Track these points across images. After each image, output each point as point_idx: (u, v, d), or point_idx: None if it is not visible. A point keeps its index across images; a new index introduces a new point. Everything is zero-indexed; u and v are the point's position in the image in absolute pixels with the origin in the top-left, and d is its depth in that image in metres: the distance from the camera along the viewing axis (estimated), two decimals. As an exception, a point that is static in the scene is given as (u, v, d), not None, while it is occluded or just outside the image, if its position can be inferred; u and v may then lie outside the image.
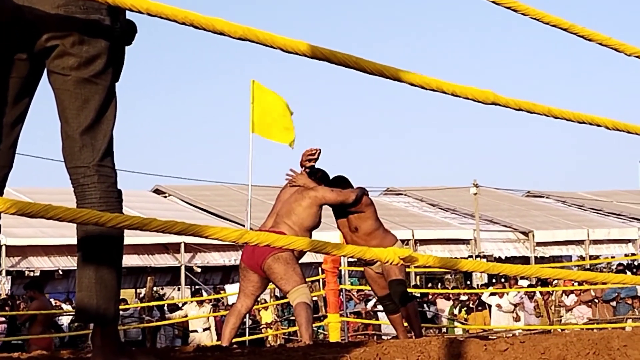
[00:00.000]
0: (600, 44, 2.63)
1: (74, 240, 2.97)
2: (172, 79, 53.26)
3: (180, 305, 18.32)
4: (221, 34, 1.94)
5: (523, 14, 2.44)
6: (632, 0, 53.80)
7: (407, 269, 22.60)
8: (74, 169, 2.92)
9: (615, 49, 2.68)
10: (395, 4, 53.69)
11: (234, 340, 6.95)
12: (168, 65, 53.23)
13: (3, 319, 14.80)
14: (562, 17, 2.54)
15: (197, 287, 22.80)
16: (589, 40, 2.60)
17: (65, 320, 18.04)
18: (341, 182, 7.07)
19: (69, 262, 20.69)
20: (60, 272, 21.39)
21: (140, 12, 1.88)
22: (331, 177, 7.07)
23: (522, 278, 17.70)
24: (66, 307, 19.12)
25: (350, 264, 18.80)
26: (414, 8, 53.55)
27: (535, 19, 2.47)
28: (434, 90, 2.22)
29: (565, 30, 2.55)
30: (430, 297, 18.84)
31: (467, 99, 2.30)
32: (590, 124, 2.57)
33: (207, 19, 1.92)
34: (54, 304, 20.40)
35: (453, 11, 53.17)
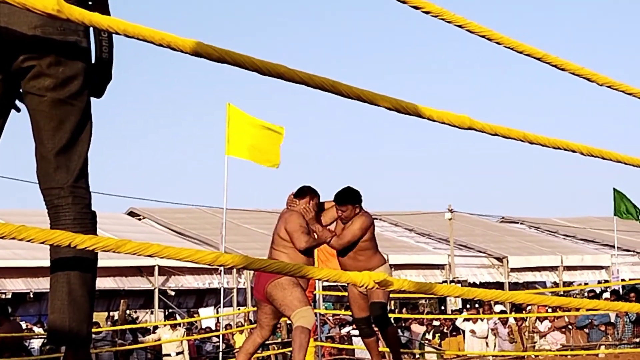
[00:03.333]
0: (572, 73, 2.65)
1: (46, 263, 2.94)
2: (147, 101, 53.13)
3: (152, 328, 18.20)
4: (198, 56, 1.94)
5: (497, 42, 2.46)
6: (604, 31, 54.39)
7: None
8: (48, 190, 2.91)
9: (588, 79, 2.70)
10: (368, 32, 53.91)
11: None
12: (142, 86, 53.10)
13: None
14: (536, 46, 2.56)
15: (170, 310, 22.66)
16: (562, 69, 2.62)
17: (36, 344, 17.85)
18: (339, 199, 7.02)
19: (42, 285, 20.49)
20: (32, 295, 21.19)
21: (117, 33, 1.87)
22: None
23: (496, 303, 17.73)
24: (38, 330, 18.93)
25: (325, 288, 18.75)
26: (389, 36, 53.80)
27: (509, 47, 2.48)
28: (410, 114, 2.23)
29: (538, 59, 2.56)
30: (404, 322, 18.81)
31: (444, 123, 2.31)
32: (565, 149, 2.59)
33: (184, 40, 1.92)
34: (25, 327, 20.19)
35: (428, 39, 53.45)
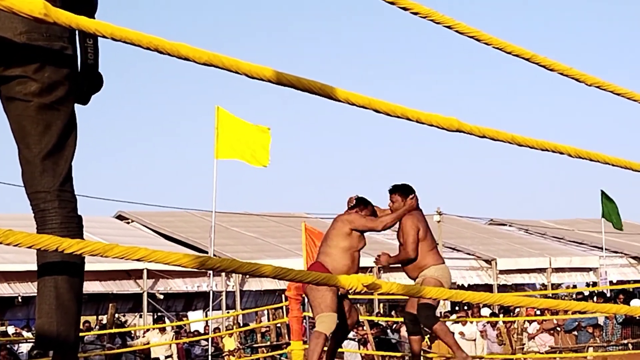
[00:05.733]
0: (561, 73, 2.66)
1: (34, 267, 2.93)
2: (135, 104, 53.02)
3: (141, 332, 18.16)
4: (186, 59, 1.93)
5: (486, 43, 2.46)
6: (596, 33, 54.60)
7: (371, 296, 22.61)
8: (35, 194, 2.90)
9: (576, 79, 2.71)
10: (357, 34, 53.96)
11: None
12: (130, 90, 53.00)
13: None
14: (524, 47, 2.57)
15: (159, 314, 22.62)
16: (551, 70, 2.62)
17: (24, 348, 17.80)
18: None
19: (30, 289, 20.43)
20: (20, 299, 21.11)
21: (104, 36, 1.87)
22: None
23: (484, 306, 17.77)
24: (26, 334, 18.87)
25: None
26: (377, 38, 53.86)
27: (498, 48, 2.49)
28: (398, 117, 2.23)
29: (527, 60, 2.57)
30: (393, 324, 18.81)
31: (432, 125, 2.31)
32: (553, 151, 2.59)
33: (172, 44, 1.91)
34: (14, 331, 20.12)
35: (417, 41, 53.51)
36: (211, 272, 17.53)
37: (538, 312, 16.70)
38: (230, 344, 18.17)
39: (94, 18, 3.02)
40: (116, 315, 18.39)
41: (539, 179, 56.41)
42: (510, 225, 34.93)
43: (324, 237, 7.35)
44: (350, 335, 18.27)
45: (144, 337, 17.55)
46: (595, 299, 19.31)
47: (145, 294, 22.54)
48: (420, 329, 7.51)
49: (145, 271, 22.24)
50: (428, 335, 17.93)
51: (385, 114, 2.20)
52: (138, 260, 1.93)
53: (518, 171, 57.55)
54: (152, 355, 17.27)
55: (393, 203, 7.47)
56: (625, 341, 15.71)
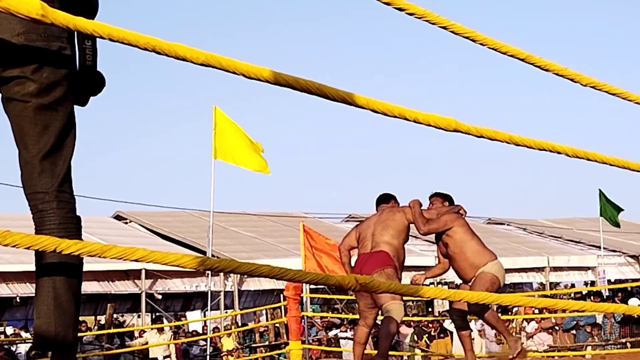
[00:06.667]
0: (556, 74, 2.66)
1: (32, 267, 2.93)
2: (133, 104, 52.97)
3: (139, 332, 18.16)
4: (183, 59, 1.93)
5: (481, 44, 2.46)
6: (590, 31, 54.62)
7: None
8: (33, 194, 2.90)
9: (571, 79, 2.71)
10: (353, 34, 53.96)
11: None
12: (128, 90, 52.94)
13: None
14: (519, 47, 2.57)
15: (157, 314, 22.60)
16: (546, 70, 2.63)
17: (22, 349, 17.79)
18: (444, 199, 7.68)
19: (28, 289, 20.41)
20: (18, 300, 21.10)
21: (102, 37, 1.87)
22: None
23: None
24: (24, 335, 18.87)
25: (312, 290, 18.74)
26: (373, 38, 53.85)
27: (493, 49, 2.49)
28: (396, 117, 2.23)
29: (522, 60, 2.57)
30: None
31: (430, 125, 2.31)
32: (551, 151, 2.59)
33: (170, 44, 1.91)
34: (12, 332, 20.12)
35: (413, 41, 53.52)
36: (209, 272, 17.53)
37: (536, 311, 16.70)
38: (228, 343, 18.17)
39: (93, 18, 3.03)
40: (114, 315, 18.39)
41: (536, 178, 56.43)
42: (508, 225, 34.91)
43: (378, 226, 7.32)
44: (349, 334, 18.30)
45: (142, 337, 17.55)
46: (592, 298, 19.32)
47: (143, 294, 22.52)
48: (468, 323, 7.65)
49: (143, 271, 22.22)
50: (427, 335, 17.95)
51: (383, 114, 2.20)
52: (136, 260, 1.93)
53: (516, 170, 57.58)
54: (151, 355, 17.28)
55: (432, 205, 7.71)
56: (624, 340, 15.73)
